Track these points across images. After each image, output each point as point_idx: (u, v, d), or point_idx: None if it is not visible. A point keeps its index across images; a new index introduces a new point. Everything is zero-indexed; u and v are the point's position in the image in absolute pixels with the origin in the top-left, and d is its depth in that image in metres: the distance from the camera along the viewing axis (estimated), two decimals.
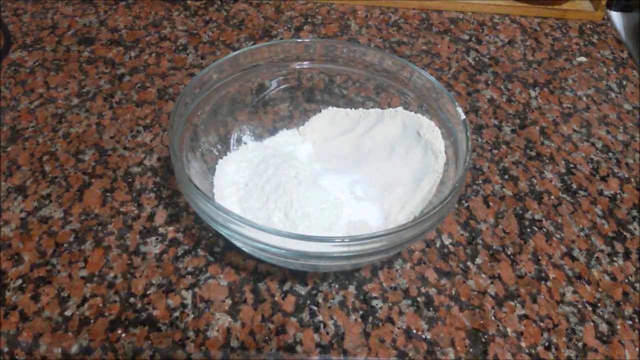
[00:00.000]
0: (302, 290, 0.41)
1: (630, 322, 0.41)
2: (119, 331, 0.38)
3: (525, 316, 0.41)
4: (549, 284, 0.43)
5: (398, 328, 0.39)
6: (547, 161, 0.52)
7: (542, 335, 0.40)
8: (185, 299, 0.40)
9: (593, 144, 0.54)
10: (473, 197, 0.49)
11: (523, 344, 0.39)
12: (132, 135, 0.52)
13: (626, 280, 0.43)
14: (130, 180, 0.48)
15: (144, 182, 0.48)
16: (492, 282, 0.42)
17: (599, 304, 0.42)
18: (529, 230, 0.46)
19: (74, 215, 0.45)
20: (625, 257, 0.45)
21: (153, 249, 0.43)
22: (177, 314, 0.39)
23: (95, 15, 0.67)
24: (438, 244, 0.45)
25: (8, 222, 0.44)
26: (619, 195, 0.50)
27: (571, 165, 0.52)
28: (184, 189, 0.37)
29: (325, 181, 0.45)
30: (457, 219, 0.47)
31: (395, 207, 0.43)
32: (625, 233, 0.47)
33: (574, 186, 0.50)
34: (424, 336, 0.39)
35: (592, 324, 0.40)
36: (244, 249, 0.38)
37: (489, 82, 0.61)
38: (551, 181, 0.51)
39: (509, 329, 0.40)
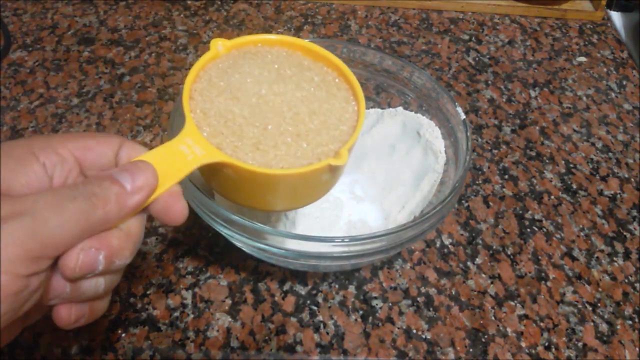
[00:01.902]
0: (302, 290, 0.41)
1: (630, 322, 0.41)
2: (119, 331, 0.38)
3: (525, 316, 0.41)
4: (549, 284, 0.43)
5: (398, 328, 0.39)
6: (547, 161, 0.52)
7: (542, 335, 0.40)
8: (185, 299, 0.40)
9: (593, 144, 0.54)
10: (473, 197, 0.49)
11: (523, 344, 0.39)
12: (132, 135, 0.52)
13: (626, 280, 0.43)
14: None
15: None
16: (492, 282, 0.42)
17: (599, 304, 0.42)
18: (529, 230, 0.46)
19: None
20: (625, 257, 0.45)
21: (153, 249, 0.43)
22: (177, 314, 0.39)
23: (95, 15, 0.67)
24: (438, 244, 0.45)
25: None
26: (619, 195, 0.50)
27: (571, 165, 0.52)
28: (184, 189, 0.37)
29: None
30: (457, 219, 0.47)
31: (395, 207, 0.43)
32: (625, 233, 0.47)
33: (574, 186, 0.50)
34: (424, 336, 0.39)
35: (592, 324, 0.40)
36: (244, 249, 0.38)
37: (489, 82, 0.61)
38: (551, 181, 0.51)
39: (509, 329, 0.40)
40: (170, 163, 0.25)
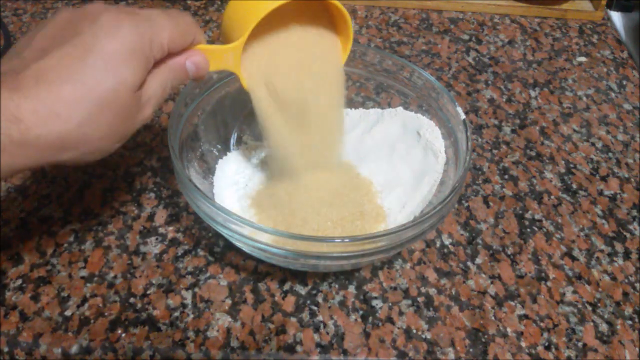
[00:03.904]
0: (302, 290, 0.41)
1: (630, 322, 0.41)
2: (119, 331, 0.38)
3: (525, 316, 0.41)
4: (549, 284, 0.43)
5: (398, 328, 0.39)
6: (547, 161, 0.52)
7: (542, 335, 0.40)
8: (185, 299, 0.40)
9: (593, 144, 0.54)
10: (473, 197, 0.49)
11: (523, 344, 0.39)
12: (133, 135, 0.52)
13: (626, 280, 0.43)
14: (130, 180, 0.48)
15: (144, 182, 0.48)
16: (492, 282, 0.42)
17: (599, 304, 0.42)
18: (529, 230, 0.46)
19: (74, 215, 0.45)
20: (625, 257, 0.45)
21: (153, 249, 0.43)
22: (177, 314, 0.39)
23: None
24: (438, 244, 0.45)
25: (8, 222, 0.44)
26: (619, 195, 0.50)
27: (571, 165, 0.52)
28: (184, 189, 0.37)
29: None
30: (457, 219, 0.47)
31: (395, 207, 0.43)
32: (625, 233, 0.47)
33: (574, 186, 0.50)
34: (424, 336, 0.39)
35: (592, 324, 0.40)
36: (244, 249, 0.38)
37: (489, 82, 0.61)
38: (551, 181, 0.51)
39: (509, 329, 0.40)
40: (213, 57, 0.34)
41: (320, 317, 0.39)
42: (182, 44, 0.32)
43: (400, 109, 0.47)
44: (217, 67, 0.35)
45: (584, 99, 0.60)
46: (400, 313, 0.40)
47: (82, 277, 0.41)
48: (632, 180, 0.51)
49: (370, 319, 0.40)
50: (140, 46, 0.28)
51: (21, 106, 0.26)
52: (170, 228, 0.44)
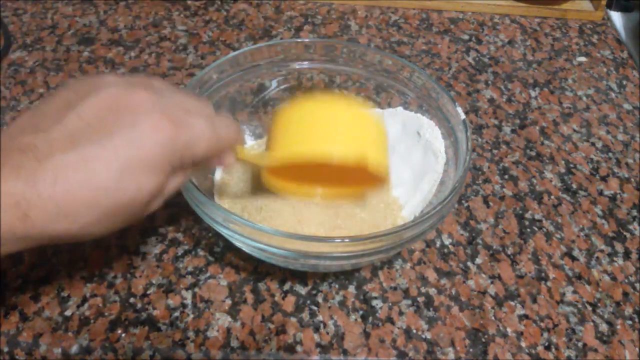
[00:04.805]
0: (302, 290, 0.41)
1: (630, 322, 0.41)
2: (119, 331, 0.38)
3: (525, 316, 0.41)
4: (549, 284, 0.43)
5: (398, 328, 0.39)
6: (547, 161, 0.52)
7: (542, 335, 0.40)
8: (185, 299, 0.40)
9: (593, 144, 0.54)
10: (473, 197, 0.49)
11: (523, 344, 0.39)
12: None
13: (626, 280, 0.43)
14: None
15: None
16: (492, 282, 0.42)
17: (599, 304, 0.42)
18: (529, 230, 0.46)
19: None
20: (625, 257, 0.45)
21: (153, 249, 0.43)
22: (177, 314, 0.39)
23: (95, 15, 0.67)
24: (438, 244, 0.45)
25: None
26: (619, 195, 0.50)
27: (571, 165, 0.52)
28: (184, 189, 0.37)
29: None
30: (457, 219, 0.47)
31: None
32: (625, 233, 0.47)
33: (574, 186, 0.50)
34: (424, 336, 0.39)
35: (592, 324, 0.40)
36: (244, 249, 0.38)
37: (489, 82, 0.61)
38: (551, 181, 0.51)
39: (509, 329, 0.40)
40: (243, 157, 0.34)
41: (320, 317, 0.39)
42: (215, 155, 0.31)
43: (400, 109, 0.47)
44: (245, 162, 0.35)
45: (584, 99, 0.60)
46: (400, 313, 0.40)
47: (82, 277, 0.41)
48: (632, 180, 0.51)
49: (370, 319, 0.40)
50: (170, 160, 0.28)
51: (32, 203, 0.25)
52: (170, 228, 0.44)
